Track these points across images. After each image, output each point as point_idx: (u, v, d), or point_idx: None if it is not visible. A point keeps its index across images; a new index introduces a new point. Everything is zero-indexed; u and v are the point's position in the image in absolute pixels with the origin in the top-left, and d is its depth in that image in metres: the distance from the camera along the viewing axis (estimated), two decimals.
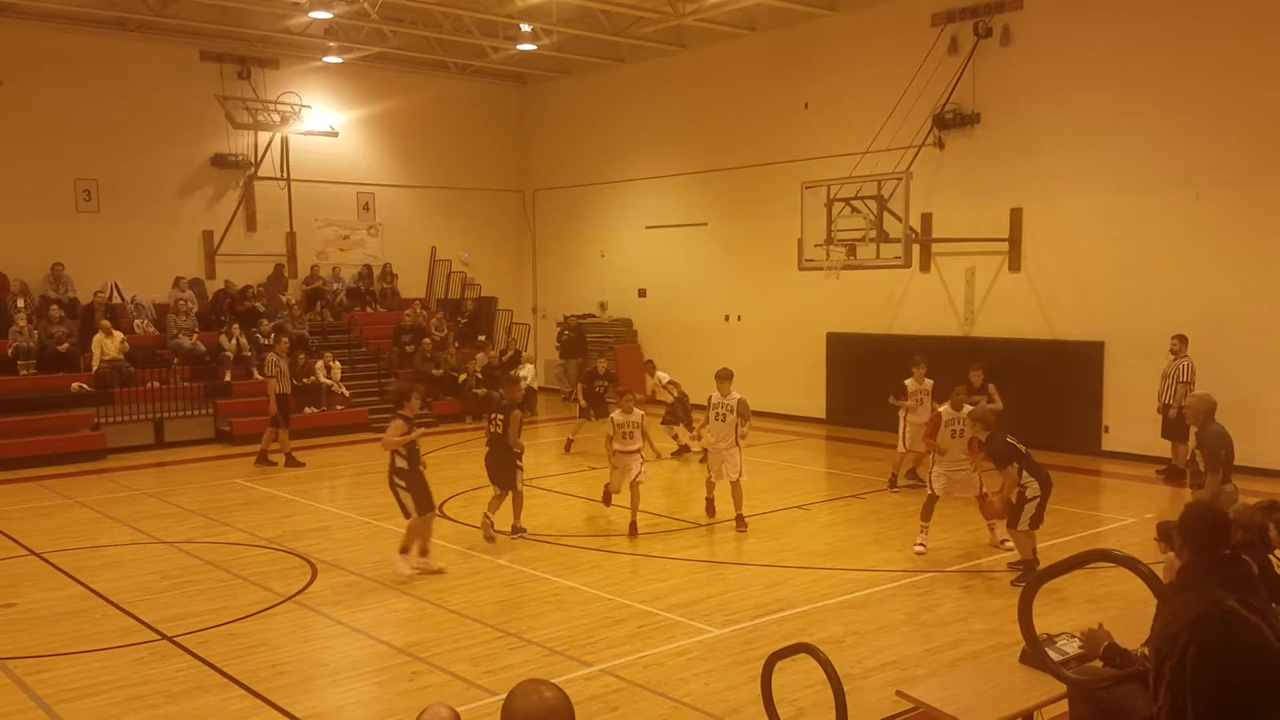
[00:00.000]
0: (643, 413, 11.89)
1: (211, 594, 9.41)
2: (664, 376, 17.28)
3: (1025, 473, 9.33)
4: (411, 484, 9.77)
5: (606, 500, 12.10)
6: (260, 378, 18.65)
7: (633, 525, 11.30)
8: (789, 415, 19.87)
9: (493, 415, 11.15)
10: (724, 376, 11.61)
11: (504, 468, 10.99)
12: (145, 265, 20.04)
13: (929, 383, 13.11)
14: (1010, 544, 9.99)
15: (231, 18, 19.90)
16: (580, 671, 7.27)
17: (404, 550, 9.82)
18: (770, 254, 19.77)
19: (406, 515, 9.84)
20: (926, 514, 10.57)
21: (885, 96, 17.12)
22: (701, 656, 7.65)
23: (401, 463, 9.75)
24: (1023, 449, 9.38)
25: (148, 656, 7.78)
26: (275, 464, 15.96)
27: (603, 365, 17.89)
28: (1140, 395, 14.84)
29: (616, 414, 11.67)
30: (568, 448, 16.92)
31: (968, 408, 10.52)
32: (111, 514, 12.87)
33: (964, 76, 16.84)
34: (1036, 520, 9.37)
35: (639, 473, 11.48)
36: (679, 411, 16.49)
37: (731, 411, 11.35)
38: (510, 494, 11.07)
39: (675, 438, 16.44)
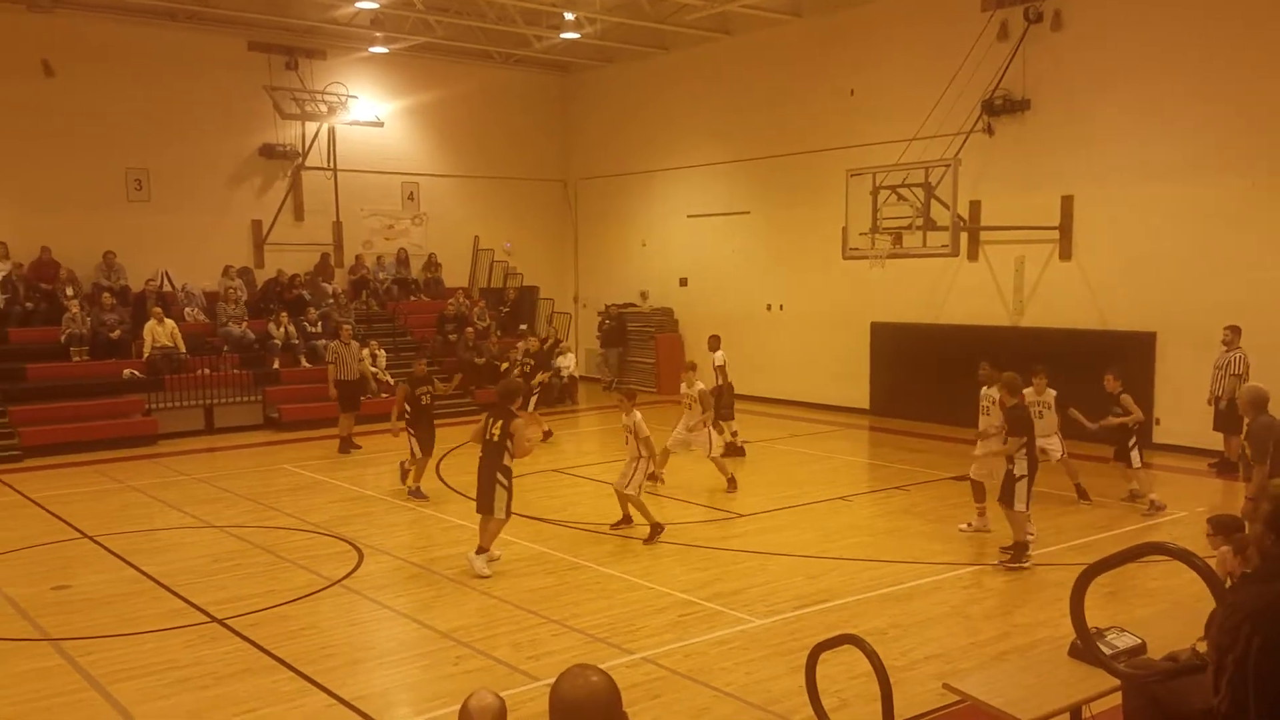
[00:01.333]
0: (639, 414, 10.78)
1: (260, 577, 9.55)
2: (720, 357, 15.72)
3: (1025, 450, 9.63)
4: (512, 484, 9.50)
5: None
6: (309, 365, 18.92)
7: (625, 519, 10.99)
8: (831, 406, 19.76)
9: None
10: (689, 368, 13.30)
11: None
12: (195, 254, 20.34)
13: (1051, 393, 12.02)
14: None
15: (279, 8, 20.12)
16: (622, 659, 7.28)
17: (482, 550, 9.47)
18: (813, 243, 19.64)
19: (491, 512, 9.44)
20: (979, 496, 10.80)
21: (933, 83, 16.91)
22: (743, 646, 7.64)
23: (509, 461, 9.43)
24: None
25: (198, 638, 7.92)
26: (360, 447, 16.21)
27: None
28: (1192, 387, 14.56)
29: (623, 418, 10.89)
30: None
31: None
32: (162, 498, 13.10)
33: (1014, 62, 16.58)
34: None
35: (628, 480, 10.67)
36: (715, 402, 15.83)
37: (696, 401, 12.73)
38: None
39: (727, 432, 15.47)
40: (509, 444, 9.35)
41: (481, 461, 9.56)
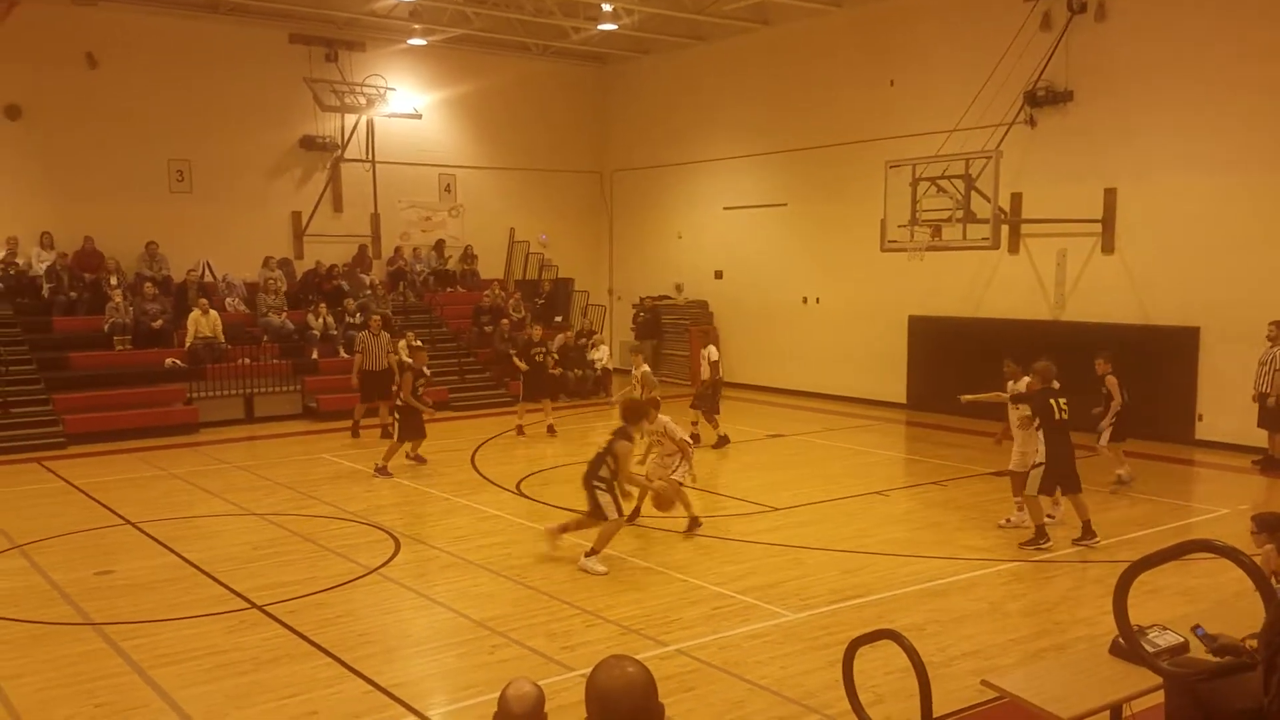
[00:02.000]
0: (668, 418, 10.92)
1: (299, 565, 9.65)
2: (712, 352, 16.13)
3: (1040, 438, 9.84)
4: (613, 490, 9.47)
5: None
6: (346, 356, 19.06)
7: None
8: (868, 400, 19.64)
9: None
10: (636, 350, 14.78)
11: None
12: (236, 244, 20.56)
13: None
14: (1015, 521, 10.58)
15: (320, 1, 20.25)
16: (656, 651, 7.28)
17: (593, 553, 9.34)
18: (851, 235, 19.51)
19: (599, 518, 9.39)
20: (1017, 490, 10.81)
21: (974, 74, 16.72)
22: (778, 640, 7.61)
23: (606, 472, 9.41)
24: (1058, 417, 9.82)
25: (238, 624, 8.02)
26: (390, 435, 16.33)
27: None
28: (1236, 383, 14.33)
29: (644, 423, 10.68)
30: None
31: (1025, 379, 10.67)
32: (203, 486, 13.27)
33: (1057, 53, 16.35)
34: (1048, 487, 9.89)
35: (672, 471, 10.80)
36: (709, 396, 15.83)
37: (639, 383, 13.65)
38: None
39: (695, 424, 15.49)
40: (608, 461, 9.40)
41: (585, 473, 9.59)
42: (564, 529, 9.78)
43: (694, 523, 10.63)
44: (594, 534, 9.46)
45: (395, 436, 14.09)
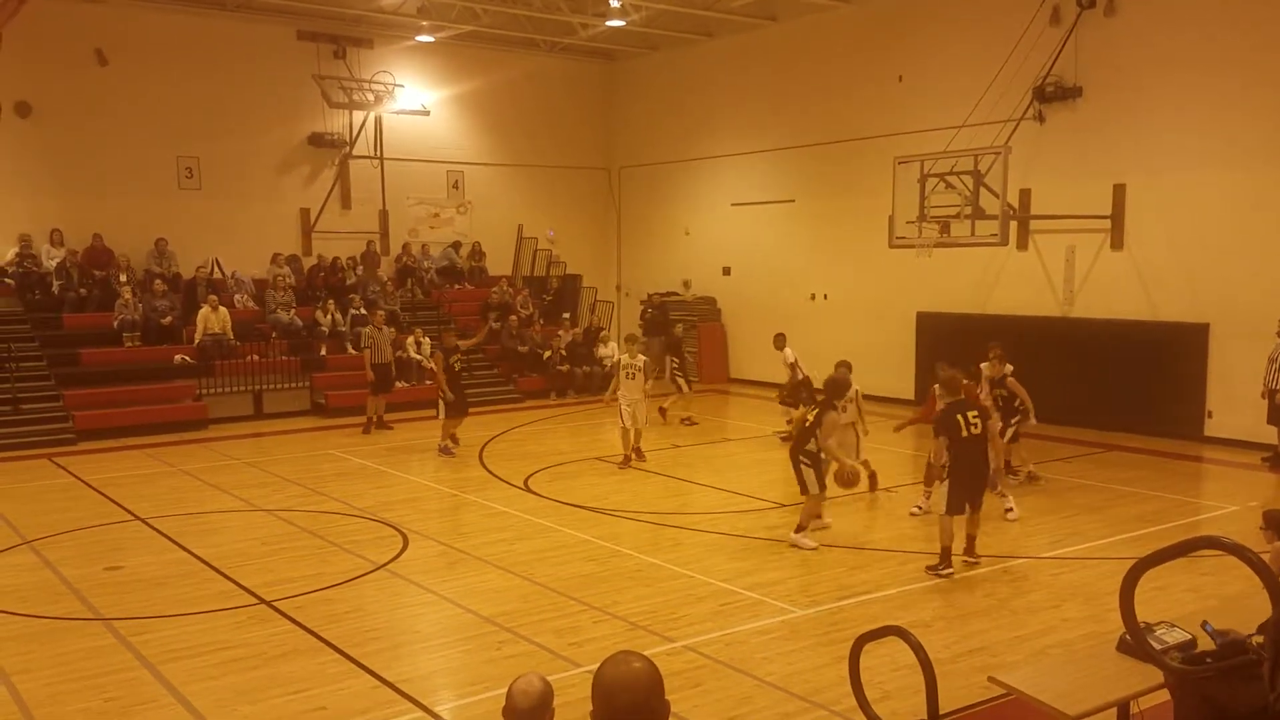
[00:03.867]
0: (644, 359, 13.28)
1: (308, 560, 9.69)
2: (790, 354, 16.11)
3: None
4: (816, 463, 9.88)
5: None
6: (354, 352, 19.13)
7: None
8: (876, 396, 19.52)
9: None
10: (631, 340, 14.73)
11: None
12: (245, 241, 20.61)
13: (1009, 368, 12.20)
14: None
15: None
16: (663, 647, 7.29)
17: (800, 528, 9.92)
18: (859, 231, 19.47)
19: (804, 491, 10.00)
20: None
21: (983, 69, 16.66)
22: (784, 636, 7.62)
23: (813, 445, 9.83)
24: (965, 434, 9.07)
25: (247, 620, 8.05)
26: (390, 428, 16.91)
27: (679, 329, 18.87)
28: (1245, 380, 14.27)
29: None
30: (663, 415, 17.28)
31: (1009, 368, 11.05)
32: (212, 482, 13.31)
33: (1066, 48, 16.29)
34: (955, 505, 9.08)
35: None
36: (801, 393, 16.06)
37: (639, 371, 13.80)
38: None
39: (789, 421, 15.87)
40: (818, 433, 9.80)
41: (792, 446, 10.20)
42: (800, 528, 9.97)
43: (874, 480, 11.97)
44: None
45: (441, 415, 14.91)
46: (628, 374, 13.83)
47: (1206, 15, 14.91)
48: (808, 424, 9.95)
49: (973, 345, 16.87)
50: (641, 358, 14.09)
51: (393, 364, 17.54)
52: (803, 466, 9.89)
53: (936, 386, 10.77)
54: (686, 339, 23.04)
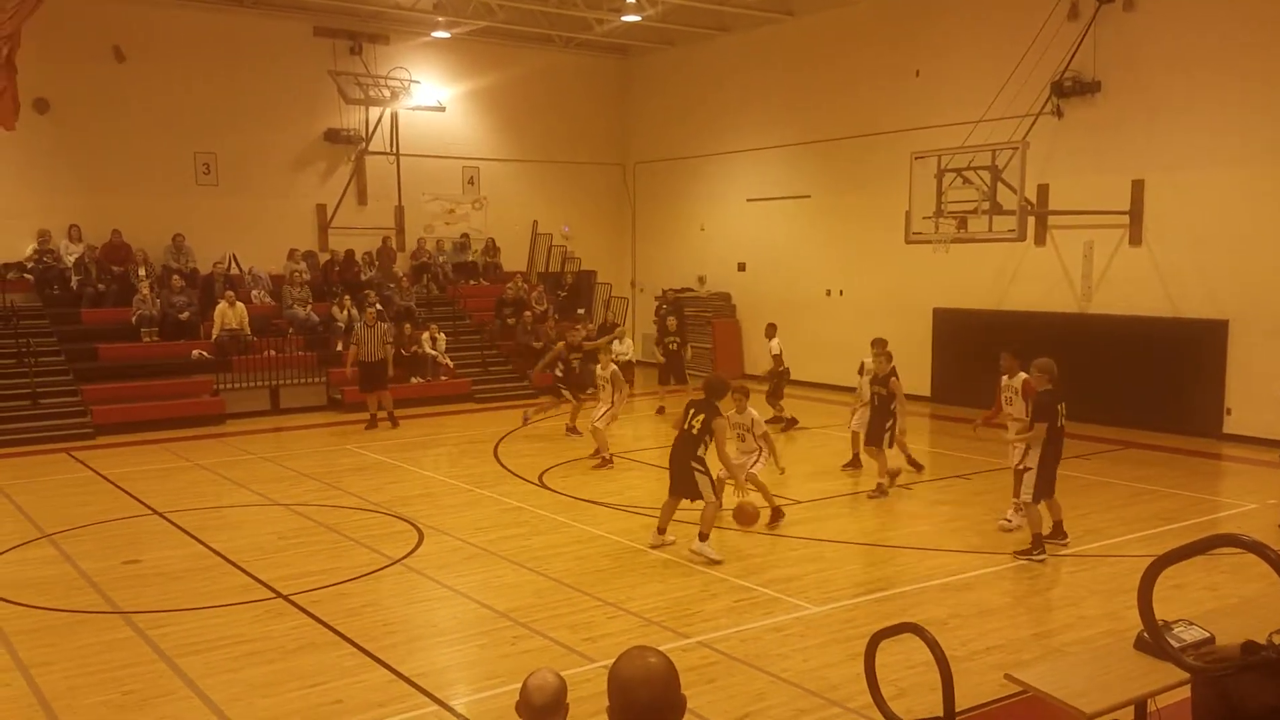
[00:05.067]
0: (755, 411, 10.86)
1: (324, 555, 9.73)
2: (775, 345, 16.73)
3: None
4: (709, 470, 9.41)
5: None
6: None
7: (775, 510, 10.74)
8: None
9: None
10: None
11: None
12: (261, 237, 20.70)
13: (1021, 377, 11.70)
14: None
15: None
16: (677, 643, 7.29)
17: (703, 536, 9.32)
18: (875, 227, 19.41)
19: (698, 496, 9.38)
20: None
21: (1001, 64, 16.56)
22: (800, 633, 7.61)
23: (703, 452, 9.36)
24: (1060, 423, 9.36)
25: (264, 613, 8.09)
26: (398, 424, 16.90)
27: (673, 323, 18.91)
28: (1266, 376, 14.20)
29: (732, 414, 10.54)
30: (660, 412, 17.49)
31: (1021, 375, 10.37)
32: (229, 476, 13.38)
33: (1084, 43, 16.18)
34: (1045, 491, 9.38)
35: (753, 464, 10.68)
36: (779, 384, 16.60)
37: (608, 383, 13.95)
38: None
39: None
40: (707, 439, 9.30)
41: (675, 450, 9.54)
42: (660, 530, 9.71)
43: (777, 513, 10.55)
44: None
45: (572, 399, 15.87)
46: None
47: (1226, 11, 14.79)
48: (692, 430, 9.30)
49: (990, 342, 16.83)
50: (613, 367, 14.24)
51: (388, 361, 17.19)
52: (696, 474, 9.29)
53: (1006, 379, 10.61)
54: (700, 334, 23.09)
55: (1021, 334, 13.43)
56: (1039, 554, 9.29)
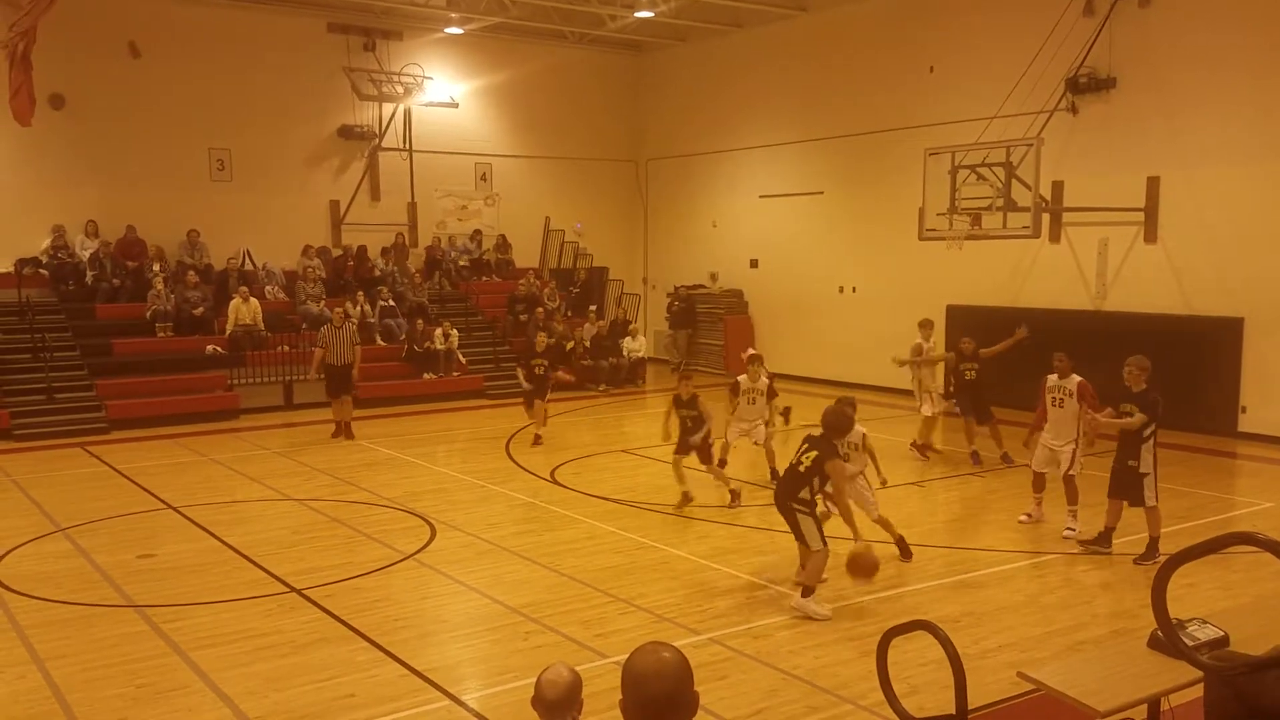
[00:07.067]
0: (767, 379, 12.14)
1: (337, 550, 9.76)
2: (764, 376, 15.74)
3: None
4: (815, 513, 8.13)
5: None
6: (382, 343, 19.23)
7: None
8: (904, 390, 19.42)
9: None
10: (755, 360, 12.57)
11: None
12: (275, 233, 20.76)
13: (1075, 379, 10.71)
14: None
15: None
16: (689, 639, 7.29)
17: (808, 591, 8.01)
18: (888, 224, 19.35)
19: (805, 544, 8.10)
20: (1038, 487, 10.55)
21: (1015, 59, 16.49)
22: (811, 630, 7.60)
23: (807, 494, 8.05)
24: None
25: (277, 608, 8.13)
26: (353, 438, 15.68)
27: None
28: None
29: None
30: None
31: (1075, 377, 10.03)
32: (243, 471, 13.44)
33: (1100, 39, 16.09)
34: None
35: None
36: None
37: (762, 395, 12.32)
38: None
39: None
40: (815, 481, 7.97)
41: (779, 489, 8.30)
42: (806, 592, 7.98)
43: (903, 547, 9.35)
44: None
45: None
46: (751, 398, 12.24)
47: (1242, 7, 14.69)
48: (800, 468, 7.99)
49: (1005, 339, 16.77)
50: (764, 377, 12.39)
51: (355, 365, 15.81)
52: (800, 516, 7.99)
53: (1054, 379, 10.05)
54: (712, 331, 23.10)
55: (1036, 332, 13.35)
56: (1150, 558, 8.87)
